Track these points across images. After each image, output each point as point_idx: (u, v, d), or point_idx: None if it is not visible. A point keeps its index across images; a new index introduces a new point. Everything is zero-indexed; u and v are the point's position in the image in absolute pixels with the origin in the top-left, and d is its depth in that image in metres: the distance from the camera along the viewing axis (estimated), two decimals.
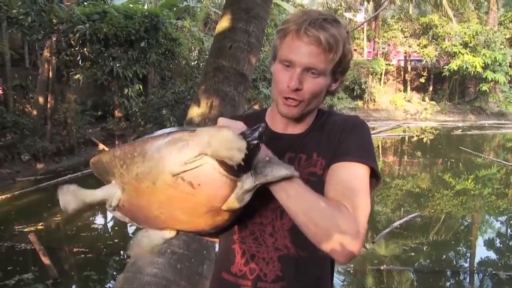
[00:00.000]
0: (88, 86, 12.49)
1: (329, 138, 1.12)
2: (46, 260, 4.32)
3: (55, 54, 10.19)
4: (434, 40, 22.74)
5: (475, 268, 5.20)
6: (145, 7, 14.90)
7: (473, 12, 24.57)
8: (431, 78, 24.24)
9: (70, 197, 0.95)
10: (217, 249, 3.04)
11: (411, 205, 7.79)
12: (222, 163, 0.84)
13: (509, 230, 6.97)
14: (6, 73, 10.60)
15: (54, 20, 9.96)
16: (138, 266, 2.84)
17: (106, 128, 12.38)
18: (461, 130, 18.14)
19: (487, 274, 4.94)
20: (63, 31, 10.34)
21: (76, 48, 10.75)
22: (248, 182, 0.88)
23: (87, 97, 13.00)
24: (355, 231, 0.95)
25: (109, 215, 7.38)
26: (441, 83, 24.27)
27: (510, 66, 21.80)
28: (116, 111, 12.48)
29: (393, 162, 12.67)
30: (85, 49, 10.81)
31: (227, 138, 0.83)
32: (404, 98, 23.92)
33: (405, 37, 23.68)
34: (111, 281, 4.62)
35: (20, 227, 5.93)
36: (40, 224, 6.09)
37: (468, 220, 7.30)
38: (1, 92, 10.82)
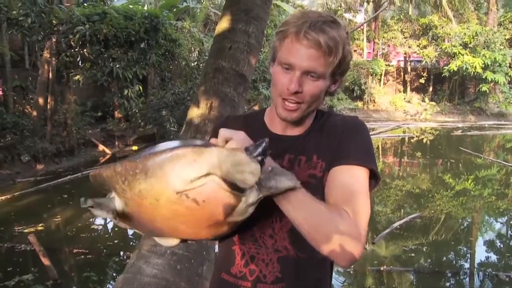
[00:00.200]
0: (88, 87, 12.50)
1: (328, 140, 1.12)
2: (46, 261, 4.31)
3: (55, 55, 10.19)
4: (433, 41, 22.75)
5: (475, 269, 5.19)
6: (145, 8, 14.92)
7: (473, 13, 24.57)
8: (431, 78, 24.24)
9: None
10: (216, 250, 3.04)
11: (411, 205, 7.79)
12: (229, 181, 0.83)
13: (509, 231, 6.96)
14: (6, 74, 10.60)
15: (54, 21, 9.97)
16: (138, 267, 2.84)
17: (106, 129, 12.38)
18: (461, 130, 18.13)
19: (487, 274, 4.94)
20: (63, 32, 10.34)
21: (76, 49, 10.75)
22: (252, 196, 0.88)
23: (87, 98, 13.00)
24: (356, 235, 0.97)
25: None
26: (441, 83, 24.28)
27: (510, 67, 21.80)
28: (116, 112, 12.48)
29: (393, 163, 12.67)
30: (85, 50, 10.81)
31: (240, 161, 0.82)
32: (404, 98, 23.92)
33: (404, 37, 23.69)
34: (111, 282, 4.62)
35: (20, 228, 5.93)
36: (40, 225, 6.09)
37: (468, 221, 7.30)
38: (1, 93, 10.82)
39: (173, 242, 0.99)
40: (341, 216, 0.98)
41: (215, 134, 1.30)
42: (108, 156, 11.15)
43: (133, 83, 11.33)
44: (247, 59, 3.26)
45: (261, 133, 1.19)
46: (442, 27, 22.31)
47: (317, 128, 1.16)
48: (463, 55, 21.02)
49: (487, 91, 21.61)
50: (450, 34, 22.11)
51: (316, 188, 1.07)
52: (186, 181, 0.83)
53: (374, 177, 1.10)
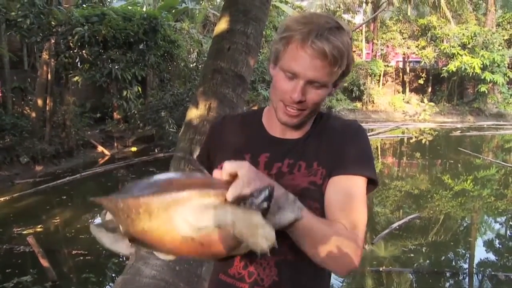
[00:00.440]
0: (87, 88, 12.51)
1: (328, 146, 1.12)
2: (45, 263, 4.31)
3: (54, 57, 10.19)
4: (432, 42, 22.76)
5: (474, 269, 5.20)
6: (144, 9, 14.92)
7: (471, 14, 24.59)
8: (429, 79, 24.26)
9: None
10: None
11: (410, 206, 7.79)
12: None
13: (508, 231, 6.97)
14: (5, 76, 10.60)
15: (52, 23, 9.97)
16: (137, 268, 2.84)
17: (105, 130, 12.38)
18: (459, 131, 18.14)
19: (486, 275, 4.94)
20: (61, 33, 10.34)
21: (75, 51, 10.75)
22: None
23: (86, 99, 13.00)
24: (356, 249, 1.00)
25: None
26: (439, 84, 24.29)
27: (508, 67, 21.82)
28: (115, 113, 12.48)
29: (392, 164, 12.68)
30: (83, 51, 10.81)
31: (255, 224, 0.80)
32: (403, 99, 23.93)
33: (403, 38, 23.70)
34: (110, 283, 4.62)
35: (19, 229, 5.93)
36: (39, 226, 6.09)
37: (467, 221, 7.30)
38: (0, 95, 10.81)
39: (172, 257, 0.99)
40: (342, 232, 1.00)
41: (211, 134, 1.30)
42: (107, 157, 11.14)
43: (132, 84, 11.33)
44: (246, 60, 3.27)
45: (258, 135, 1.19)
46: (441, 28, 22.33)
47: (316, 131, 1.16)
48: (461, 55, 21.03)
49: (486, 92, 21.62)
50: (448, 35, 22.12)
51: (316, 194, 1.08)
52: (194, 228, 0.81)
53: (372, 182, 1.11)
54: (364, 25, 24.12)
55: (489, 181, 10.06)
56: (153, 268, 2.80)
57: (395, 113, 23.14)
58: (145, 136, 12.59)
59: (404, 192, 8.90)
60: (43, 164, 9.37)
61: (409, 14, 24.99)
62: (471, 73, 20.91)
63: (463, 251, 5.93)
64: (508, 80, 22.02)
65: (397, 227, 6.19)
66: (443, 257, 5.64)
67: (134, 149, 12.03)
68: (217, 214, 0.81)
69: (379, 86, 24.38)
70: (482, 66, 20.62)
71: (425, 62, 22.96)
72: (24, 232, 5.74)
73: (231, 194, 0.82)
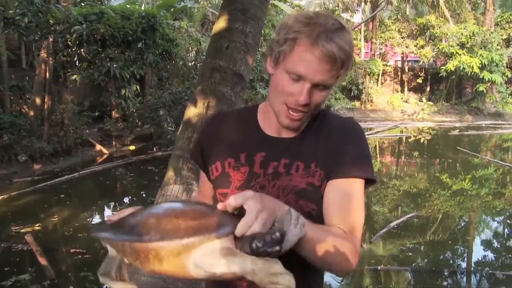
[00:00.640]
0: (85, 86, 12.49)
1: (326, 146, 1.11)
2: (43, 261, 4.30)
3: (52, 55, 10.17)
4: (431, 41, 22.80)
5: (472, 268, 5.21)
6: (142, 7, 14.89)
7: (470, 13, 24.63)
8: (428, 78, 24.29)
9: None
10: None
11: (408, 205, 7.80)
12: None
13: (506, 230, 6.99)
14: (2, 74, 10.57)
15: (51, 21, 9.96)
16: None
17: (103, 129, 12.36)
18: (458, 130, 18.17)
19: (484, 274, 4.95)
20: (60, 31, 10.32)
21: (73, 49, 10.74)
22: None
23: (84, 98, 12.98)
24: (353, 251, 1.02)
25: (106, 216, 7.37)
26: (438, 83, 24.33)
27: (506, 67, 21.87)
28: (113, 112, 12.46)
29: (391, 163, 12.69)
30: (82, 49, 10.80)
31: (275, 272, 0.79)
32: (401, 98, 23.96)
33: (402, 37, 23.73)
34: None
35: (17, 228, 5.91)
36: (37, 225, 6.08)
37: (465, 220, 7.32)
38: None
39: None
40: (340, 236, 1.02)
41: (205, 132, 1.27)
42: (105, 156, 11.13)
43: (131, 83, 11.32)
44: (244, 58, 3.26)
45: (254, 134, 1.18)
46: (440, 27, 22.36)
47: (313, 130, 1.14)
48: (460, 55, 21.07)
49: (484, 91, 21.66)
50: (447, 34, 22.15)
51: (313, 195, 1.08)
52: (209, 274, 0.80)
53: (371, 180, 1.11)
54: (362, 24, 24.13)
55: (487, 180, 10.07)
56: None
57: (394, 112, 23.17)
58: (143, 134, 12.57)
59: (402, 191, 8.91)
60: (41, 163, 9.35)
61: (407, 13, 25.03)
62: (469, 73, 20.95)
63: (461, 250, 5.94)
64: (506, 79, 22.08)
65: (395, 226, 6.19)
66: (441, 256, 5.64)
67: (132, 147, 12.01)
68: (235, 261, 0.79)
69: (377, 85, 24.41)
70: (480, 65, 20.66)
71: (423, 62, 23.01)
72: (22, 230, 5.73)
73: (240, 231, 0.82)
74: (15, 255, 5.06)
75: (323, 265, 1.02)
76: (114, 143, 12.02)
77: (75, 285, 4.66)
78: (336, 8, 24.59)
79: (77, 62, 11.25)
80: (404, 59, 24.92)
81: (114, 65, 10.70)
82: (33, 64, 12.54)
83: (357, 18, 26.37)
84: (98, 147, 11.41)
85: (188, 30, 14.19)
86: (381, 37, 24.11)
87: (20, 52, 12.61)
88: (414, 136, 17.37)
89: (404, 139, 16.93)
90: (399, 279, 4.74)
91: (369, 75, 23.57)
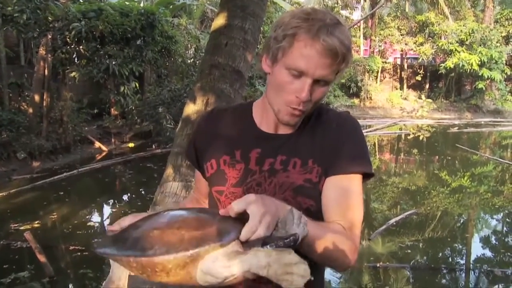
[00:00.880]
0: (84, 84, 12.45)
1: (323, 142, 1.10)
2: (42, 258, 4.30)
3: (51, 52, 10.15)
4: (430, 38, 22.78)
5: (471, 265, 5.22)
6: (141, 4, 14.86)
7: (469, 10, 24.61)
8: (427, 76, 24.29)
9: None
10: None
11: (407, 202, 7.81)
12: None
13: (504, 227, 7.00)
14: (1, 71, 10.54)
15: (49, 18, 9.94)
16: None
17: (102, 126, 12.34)
18: (457, 127, 18.19)
19: (482, 271, 4.96)
20: (58, 28, 10.30)
21: (72, 46, 10.73)
22: None
23: (83, 95, 12.95)
24: (352, 247, 1.02)
25: (105, 213, 7.38)
26: (437, 80, 24.32)
27: (506, 64, 21.87)
28: (112, 109, 12.45)
29: (390, 160, 12.70)
30: (81, 46, 10.79)
31: (289, 262, 0.78)
32: (401, 96, 23.97)
33: (401, 35, 23.71)
34: None
35: (16, 225, 5.92)
36: (36, 222, 6.08)
37: (464, 218, 7.32)
38: None
39: None
40: (340, 233, 1.02)
41: (199, 129, 1.25)
42: (104, 153, 11.12)
43: (129, 80, 11.32)
44: (244, 55, 3.25)
45: (249, 131, 1.17)
46: (439, 24, 22.34)
47: (309, 126, 1.13)
48: (459, 52, 21.06)
49: (483, 88, 21.66)
50: (446, 31, 22.13)
51: (311, 192, 1.07)
52: (218, 279, 0.80)
53: (369, 175, 1.11)
54: (362, 22, 24.08)
55: (486, 177, 10.08)
56: None
57: (393, 109, 23.18)
58: (142, 132, 12.57)
59: (401, 188, 8.92)
60: (40, 160, 9.35)
61: (407, 10, 25.00)
62: (468, 70, 20.95)
63: (460, 247, 5.95)
64: (505, 76, 22.08)
65: (394, 223, 6.20)
66: (440, 253, 5.66)
67: (131, 145, 12.00)
68: (247, 259, 0.78)
69: (376, 82, 24.40)
70: (479, 62, 20.65)
71: (423, 59, 23.01)
72: (21, 227, 5.73)
73: (244, 237, 0.81)
74: (14, 253, 5.06)
75: (322, 261, 1.02)
76: (113, 140, 12.01)
77: (74, 282, 4.66)
78: (336, 5, 24.56)
79: (76, 59, 11.24)
80: (403, 56, 24.91)
81: (113, 62, 10.68)
82: (32, 61, 12.50)
83: (356, 15, 26.38)
84: (97, 144, 11.39)
85: (187, 27, 14.17)
86: (380, 34, 24.09)
87: (18, 49, 12.58)
88: (413, 133, 17.38)
89: (403, 136, 16.94)
90: (398, 276, 4.75)
91: (368, 72, 23.56)
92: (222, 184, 1.13)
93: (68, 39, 10.43)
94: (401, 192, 8.64)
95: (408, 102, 23.44)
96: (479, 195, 8.46)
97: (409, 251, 5.47)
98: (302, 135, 1.13)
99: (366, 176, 1.10)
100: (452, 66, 21.14)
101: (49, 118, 10.13)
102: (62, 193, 7.74)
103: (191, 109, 3.21)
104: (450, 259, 5.55)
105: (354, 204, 1.07)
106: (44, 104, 10.07)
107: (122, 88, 11.22)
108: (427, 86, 24.27)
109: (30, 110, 10.12)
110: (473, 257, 5.52)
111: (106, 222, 6.50)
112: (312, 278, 0.78)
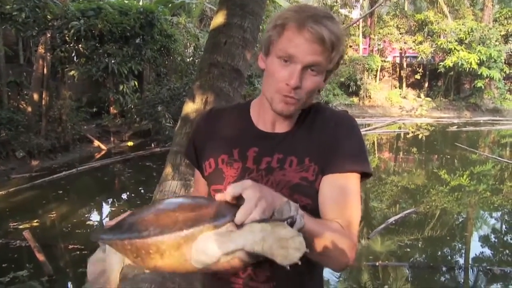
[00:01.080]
0: (83, 82, 12.45)
1: (320, 140, 1.10)
2: (41, 257, 4.30)
3: (50, 51, 10.13)
4: (429, 37, 22.78)
5: (470, 264, 5.22)
6: (140, 3, 14.84)
7: (468, 9, 24.61)
8: (426, 74, 24.29)
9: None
10: None
11: (406, 201, 7.82)
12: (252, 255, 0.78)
13: (503, 226, 7.01)
14: (0, 70, 10.53)
15: (48, 16, 9.93)
16: None
17: (101, 125, 12.34)
18: (456, 126, 18.19)
19: (481, 269, 4.96)
20: (57, 27, 10.29)
21: (71, 45, 10.71)
22: None
23: (82, 94, 12.94)
24: (351, 246, 1.01)
25: (104, 211, 7.37)
26: (436, 79, 24.33)
27: (505, 63, 21.88)
28: (111, 108, 12.45)
29: (389, 159, 12.69)
30: (80, 45, 10.77)
31: (284, 235, 0.76)
32: (400, 94, 23.98)
33: (400, 33, 23.72)
34: None
35: (15, 224, 5.91)
36: (35, 221, 6.07)
37: (463, 216, 7.33)
38: None
39: None
40: (338, 231, 1.01)
41: (198, 128, 1.26)
42: (103, 152, 11.12)
43: (129, 79, 11.30)
44: (243, 54, 3.25)
45: (246, 130, 1.17)
46: (438, 23, 22.34)
47: (306, 124, 1.13)
48: (458, 51, 21.06)
49: (482, 87, 21.67)
50: (445, 30, 22.14)
51: (307, 190, 1.07)
52: (212, 258, 0.79)
53: (367, 174, 1.11)
54: (361, 20, 24.10)
55: (485, 176, 10.09)
56: None
57: (392, 108, 23.19)
58: (141, 130, 12.56)
59: (400, 187, 8.92)
60: (39, 159, 9.34)
61: (406, 9, 25.01)
62: (467, 69, 20.96)
63: (459, 246, 5.96)
64: (504, 75, 22.10)
65: (394, 222, 6.20)
66: (439, 252, 5.66)
67: (130, 143, 12.00)
68: (241, 235, 0.78)
69: (376, 81, 24.41)
70: (479, 61, 20.67)
71: (422, 57, 23.00)
72: (20, 226, 5.72)
73: (239, 219, 0.80)
74: (13, 251, 5.05)
75: (320, 260, 1.02)
76: (112, 139, 12.01)
77: (73, 281, 4.66)
78: (335, 3, 24.56)
79: (75, 57, 11.22)
80: (403, 55, 24.90)
81: (112, 61, 10.67)
82: (31, 60, 12.48)
83: (355, 14, 26.36)
84: (96, 143, 11.39)
85: (186, 26, 14.14)
86: (379, 33, 24.08)
87: (17, 48, 12.55)
88: (412, 132, 17.39)
89: (402, 135, 16.95)
90: (397, 275, 4.76)
91: (367, 71, 23.57)
92: (220, 183, 1.13)
93: (67, 38, 10.42)
94: (400, 191, 8.64)
95: (407, 100, 23.45)
96: (478, 193, 8.46)
97: (408, 249, 5.47)
98: (299, 133, 1.13)
99: (364, 175, 1.10)
100: (451, 65, 21.15)
101: (48, 117, 10.12)
102: (61, 192, 7.74)
103: (190, 107, 3.20)
104: (449, 258, 5.55)
105: (351, 203, 1.06)
106: (43, 103, 10.06)
107: (121, 87, 11.21)
108: (426, 84, 24.27)
109: (29, 109, 10.11)
110: (472, 255, 5.53)
111: (105, 220, 6.49)
112: (308, 251, 0.77)
